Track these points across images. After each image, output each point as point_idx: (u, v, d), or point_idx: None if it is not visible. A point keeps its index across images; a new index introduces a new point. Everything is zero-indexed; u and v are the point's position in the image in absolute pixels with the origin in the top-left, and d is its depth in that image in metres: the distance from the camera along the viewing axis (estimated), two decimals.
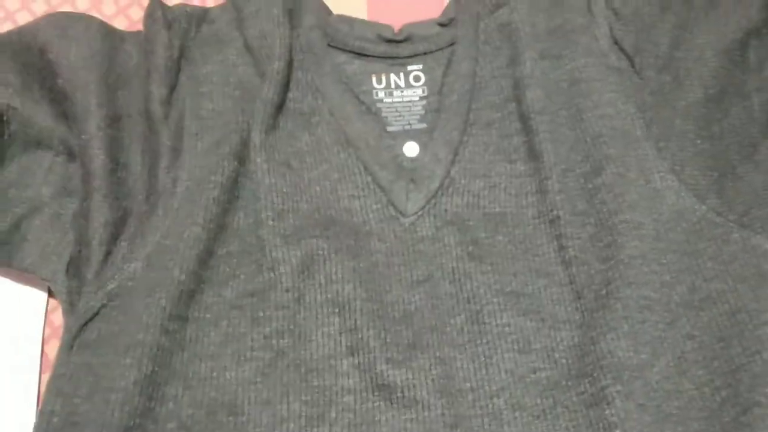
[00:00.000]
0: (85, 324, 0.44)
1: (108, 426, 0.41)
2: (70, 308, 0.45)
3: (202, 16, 0.54)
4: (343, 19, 0.56)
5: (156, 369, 0.43)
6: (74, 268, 0.46)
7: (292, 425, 0.42)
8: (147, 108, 0.50)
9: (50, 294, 0.48)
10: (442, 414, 0.43)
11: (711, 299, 0.47)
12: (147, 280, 0.45)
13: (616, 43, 0.55)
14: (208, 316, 0.45)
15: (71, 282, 0.45)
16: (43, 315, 0.47)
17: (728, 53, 0.53)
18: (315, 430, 0.43)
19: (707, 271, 0.47)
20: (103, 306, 0.45)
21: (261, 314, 0.45)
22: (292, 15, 0.54)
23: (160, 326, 0.43)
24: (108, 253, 0.46)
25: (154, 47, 0.51)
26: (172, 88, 0.51)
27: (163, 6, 0.53)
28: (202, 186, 0.47)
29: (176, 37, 0.52)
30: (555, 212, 0.49)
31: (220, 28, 0.54)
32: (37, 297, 0.48)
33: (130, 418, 0.41)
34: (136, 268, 0.46)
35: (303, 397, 0.43)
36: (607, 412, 0.42)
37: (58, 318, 0.47)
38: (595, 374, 0.44)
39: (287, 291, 0.46)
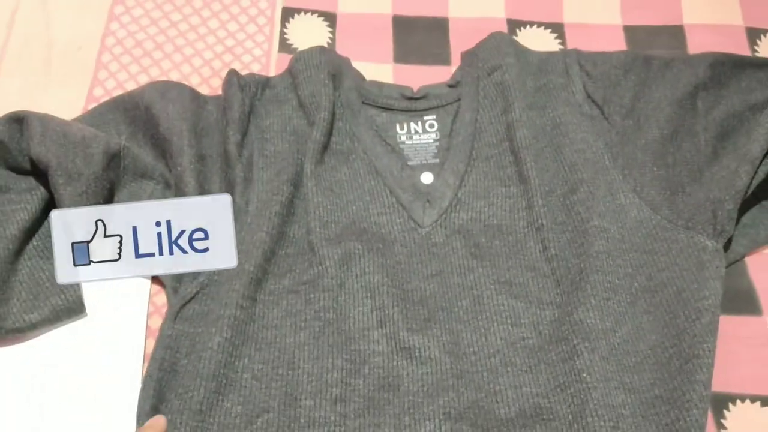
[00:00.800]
0: (185, 304, 0.57)
1: (200, 375, 0.52)
2: (173, 293, 0.58)
3: (266, 82, 0.68)
4: (374, 83, 0.69)
5: (234, 335, 0.54)
6: None
7: (335, 374, 0.53)
8: (225, 149, 0.63)
9: (152, 281, 0.61)
10: (450, 368, 0.54)
11: (663, 284, 0.57)
12: (227, 274, 0.57)
13: (588, 96, 0.67)
14: (271, 298, 0.57)
15: (175, 275, 0.58)
16: (148, 297, 0.60)
17: (680, 102, 0.65)
18: (353, 380, 0.53)
19: (660, 263, 0.58)
20: (197, 292, 0.57)
21: (312, 296, 0.57)
22: (334, 79, 0.67)
23: (236, 304, 0.55)
24: None
25: (231, 104, 0.65)
26: (244, 134, 0.64)
27: (238, 74, 0.67)
28: (267, 204, 0.60)
29: (247, 97, 0.66)
30: (540, 222, 0.60)
31: (280, 91, 0.68)
32: (143, 284, 0.60)
33: (216, 368, 0.53)
34: None
35: (344, 356, 0.54)
36: (577, 362, 0.53)
37: (159, 299, 0.60)
38: (569, 338, 0.54)
39: (332, 279, 0.57)
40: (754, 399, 0.56)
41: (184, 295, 0.57)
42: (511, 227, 0.61)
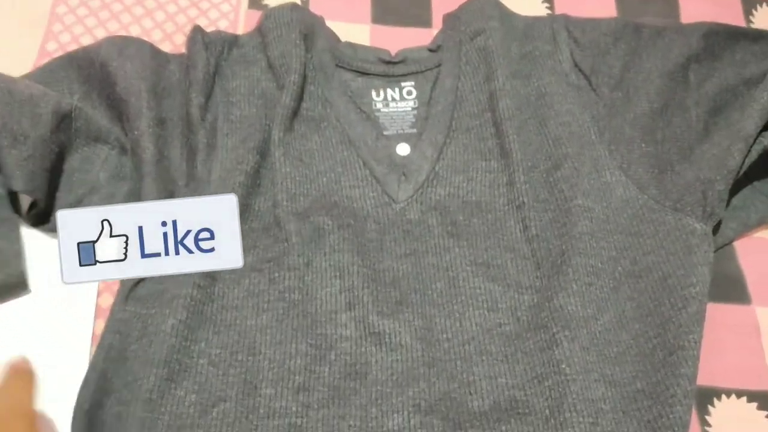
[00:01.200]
0: (137, 284, 0.53)
1: (151, 361, 0.49)
2: None
3: (233, 40, 0.64)
4: (349, 44, 0.65)
5: (189, 316, 0.51)
6: None
7: (299, 361, 0.50)
8: (187, 112, 0.59)
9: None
10: (422, 356, 0.51)
11: (648, 269, 0.54)
12: None
13: (576, 65, 0.63)
14: (232, 276, 0.54)
15: None
16: None
17: (671, 74, 0.62)
18: (318, 368, 0.50)
19: (646, 246, 0.55)
20: None
21: (276, 275, 0.54)
22: (306, 39, 0.63)
23: (193, 283, 0.52)
24: None
25: (195, 63, 0.61)
26: (208, 97, 0.60)
27: (203, 32, 0.63)
28: (231, 174, 0.56)
29: (212, 56, 0.62)
30: (521, 199, 0.57)
31: (248, 51, 0.64)
32: None
33: (168, 353, 0.49)
34: None
35: (309, 341, 0.51)
36: (556, 352, 0.50)
37: None
38: (548, 325, 0.51)
39: (298, 256, 0.54)
40: (740, 394, 0.54)
41: None
42: (491, 204, 0.58)
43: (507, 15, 0.67)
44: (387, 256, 0.56)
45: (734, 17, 0.73)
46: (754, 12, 0.74)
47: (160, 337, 0.50)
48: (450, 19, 0.67)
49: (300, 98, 0.61)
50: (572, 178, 0.58)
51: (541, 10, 0.73)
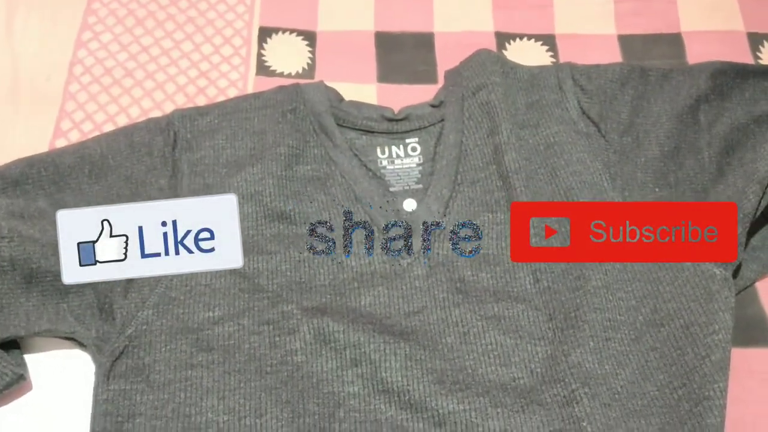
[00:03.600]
0: (115, 360, 0.52)
1: None
2: (98, 351, 0.53)
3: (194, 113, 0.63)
4: (353, 103, 0.66)
5: (188, 395, 0.50)
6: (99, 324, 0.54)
7: (308, 420, 0.50)
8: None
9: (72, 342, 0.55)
10: (434, 414, 0.50)
11: (670, 316, 0.53)
12: (162, 326, 0.53)
13: (583, 113, 0.63)
14: (231, 342, 0.53)
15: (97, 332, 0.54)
16: None
17: (680, 117, 0.61)
18: (327, 425, 0.50)
19: (666, 294, 0.54)
20: (126, 346, 0.52)
21: (277, 339, 0.53)
22: (295, 111, 0.63)
23: (186, 363, 0.51)
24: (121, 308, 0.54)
25: (150, 150, 0.60)
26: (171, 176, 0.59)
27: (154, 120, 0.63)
28: None
29: (169, 137, 0.61)
30: None
31: (213, 119, 0.63)
32: None
33: None
34: (147, 315, 0.53)
35: (315, 400, 0.50)
36: (576, 409, 0.49)
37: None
38: (566, 380, 0.50)
39: (298, 320, 0.53)
40: None
41: (113, 350, 0.53)
42: (499, 257, 0.57)
43: (510, 67, 0.67)
44: (394, 314, 0.55)
45: (741, 55, 0.73)
46: (761, 48, 0.74)
47: (162, 423, 0.50)
48: (452, 75, 0.67)
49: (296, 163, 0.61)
50: None
51: (546, 59, 0.73)
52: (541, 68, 0.67)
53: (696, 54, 0.72)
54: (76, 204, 0.57)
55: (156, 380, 0.51)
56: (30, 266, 0.54)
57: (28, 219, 0.55)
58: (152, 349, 0.52)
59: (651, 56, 0.72)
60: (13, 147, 0.65)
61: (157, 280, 0.54)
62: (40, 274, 0.54)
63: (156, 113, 0.68)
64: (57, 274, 0.54)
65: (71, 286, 0.54)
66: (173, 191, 0.58)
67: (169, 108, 0.69)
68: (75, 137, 0.66)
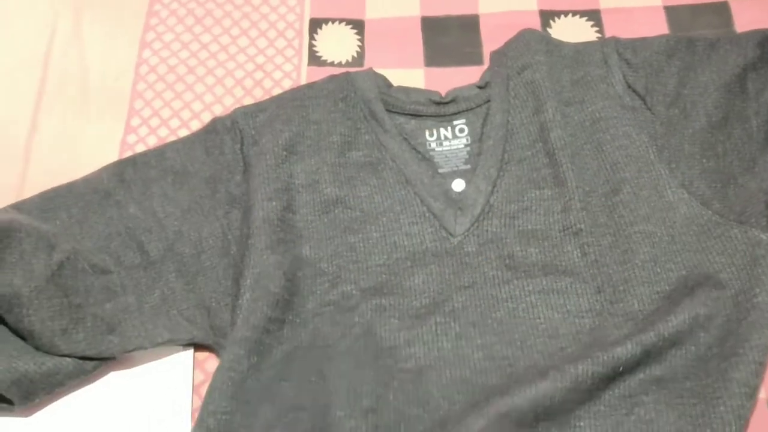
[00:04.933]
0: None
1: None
2: (220, 348, 0.57)
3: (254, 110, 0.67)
4: (401, 88, 0.68)
5: (259, 359, 0.54)
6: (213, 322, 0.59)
7: (365, 387, 0.53)
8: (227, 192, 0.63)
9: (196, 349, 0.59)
10: (482, 387, 0.52)
11: (720, 285, 0.54)
12: (252, 296, 0.57)
13: (629, 86, 0.63)
14: (297, 320, 0.57)
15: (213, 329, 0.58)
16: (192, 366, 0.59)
17: (728, 86, 0.61)
18: (383, 392, 0.52)
19: (716, 264, 0.55)
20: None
21: (338, 317, 0.56)
22: (346, 99, 0.66)
23: (263, 327, 0.55)
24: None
25: (222, 150, 0.65)
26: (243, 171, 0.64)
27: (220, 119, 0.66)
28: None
29: (237, 134, 0.66)
30: (578, 226, 0.58)
31: (274, 112, 0.66)
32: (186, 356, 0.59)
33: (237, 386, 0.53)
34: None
35: (370, 372, 0.53)
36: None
37: (211, 365, 0.58)
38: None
39: (358, 300, 0.57)
40: None
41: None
42: (547, 232, 0.59)
43: (554, 45, 0.67)
44: (445, 288, 0.57)
45: None
46: None
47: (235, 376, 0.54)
48: (497, 56, 0.69)
49: (349, 149, 0.64)
50: (631, 203, 0.58)
51: (591, 35, 0.73)
52: (586, 44, 0.68)
53: (744, 23, 0.71)
54: (164, 209, 0.62)
55: (235, 342, 0.55)
56: None
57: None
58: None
59: (698, 26, 0.71)
60: (87, 146, 0.70)
61: (247, 264, 0.58)
62: None
63: (217, 108, 0.72)
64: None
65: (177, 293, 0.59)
66: (247, 184, 0.62)
67: (228, 101, 0.72)
68: (144, 133, 0.71)
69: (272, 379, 0.54)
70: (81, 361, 0.55)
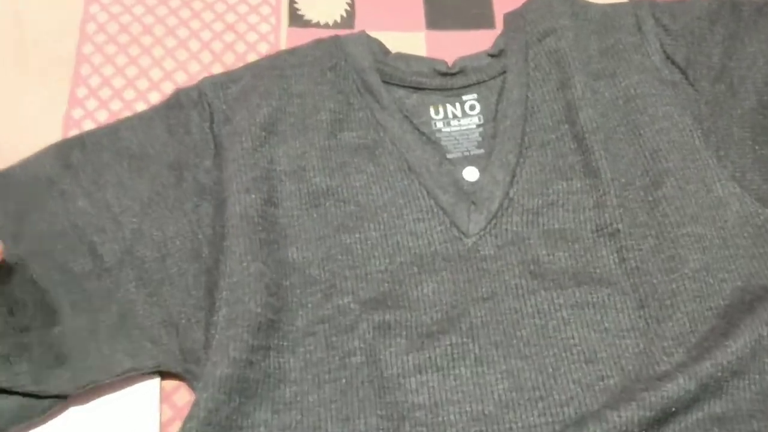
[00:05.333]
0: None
1: None
2: (193, 377, 0.48)
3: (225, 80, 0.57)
4: (400, 56, 0.58)
5: (243, 400, 0.45)
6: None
7: None
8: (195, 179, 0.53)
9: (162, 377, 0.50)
10: (510, 428, 0.44)
11: None
12: (230, 315, 0.47)
13: (668, 57, 0.56)
14: (285, 344, 0.48)
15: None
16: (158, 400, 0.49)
17: None
18: None
19: None
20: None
21: (334, 338, 0.47)
22: (335, 68, 0.57)
23: (246, 360, 0.45)
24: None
25: (187, 128, 0.55)
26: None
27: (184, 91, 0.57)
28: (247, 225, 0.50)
29: (205, 110, 0.55)
30: (615, 225, 0.50)
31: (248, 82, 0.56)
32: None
33: None
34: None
35: (378, 412, 0.45)
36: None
37: (180, 398, 0.50)
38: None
39: (356, 315, 0.48)
40: None
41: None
42: (577, 232, 0.51)
43: (580, 7, 0.59)
44: (460, 300, 0.49)
45: None
46: None
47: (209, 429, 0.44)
48: (513, 18, 0.60)
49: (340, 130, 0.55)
50: (677, 198, 0.50)
51: None
52: (616, 6, 0.60)
53: None
54: (120, 201, 0.52)
55: (210, 383, 0.46)
56: None
57: None
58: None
59: None
60: (25, 118, 0.59)
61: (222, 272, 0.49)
62: None
63: (180, 75, 0.62)
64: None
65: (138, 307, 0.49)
66: (219, 171, 0.52)
67: (194, 69, 0.63)
68: (92, 106, 0.60)
69: (257, 426, 0.45)
70: (29, 402, 0.46)
